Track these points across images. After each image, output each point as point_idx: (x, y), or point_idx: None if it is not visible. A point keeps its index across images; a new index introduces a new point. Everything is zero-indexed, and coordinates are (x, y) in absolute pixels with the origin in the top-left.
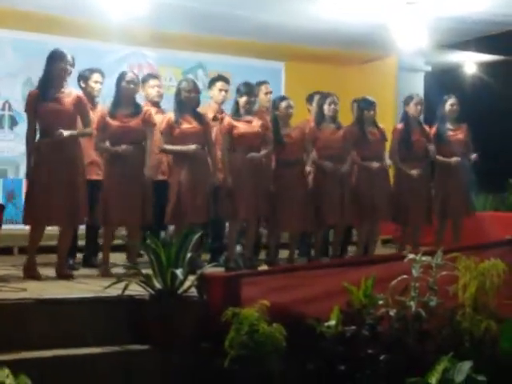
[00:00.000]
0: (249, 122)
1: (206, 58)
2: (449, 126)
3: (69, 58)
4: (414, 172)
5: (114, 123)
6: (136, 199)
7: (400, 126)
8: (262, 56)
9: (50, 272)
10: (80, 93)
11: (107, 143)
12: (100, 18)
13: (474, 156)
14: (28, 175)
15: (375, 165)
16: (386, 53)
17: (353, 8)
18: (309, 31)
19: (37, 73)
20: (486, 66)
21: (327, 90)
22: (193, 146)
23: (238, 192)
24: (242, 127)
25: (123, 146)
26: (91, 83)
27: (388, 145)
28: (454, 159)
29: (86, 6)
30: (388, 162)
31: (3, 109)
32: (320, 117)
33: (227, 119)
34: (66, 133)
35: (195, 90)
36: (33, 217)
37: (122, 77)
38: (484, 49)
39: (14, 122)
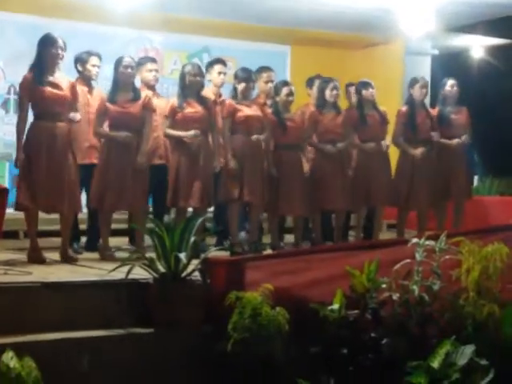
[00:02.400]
0: (248, 106)
1: (211, 42)
2: (449, 108)
3: (60, 42)
4: (419, 151)
5: (114, 108)
6: (133, 185)
7: (404, 108)
8: (267, 40)
9: (55, 256)
10: (72, 79)
11: (105, 128)
12: (106, 2)
13: (463, 137)
14: (19, 159)
15: (371, 145)
16: (392, 36)
17: None
18: (315, 15)
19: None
20: (494, 50)
21: (333, 74)
22: (191, 132)
23: (242, 175)
24: (244, 110)
25: (123, 133)
26: (89, 66)
27: (391, 127)
28: (456, 141)
29: None
30: (388, 143)
31: (8, 93)
32: (321, 102)
33: (229, 102)
34: (78, 116)
35: (200, 73)
36: (25, 203)
37: (119, 62)
38: (491, 32)
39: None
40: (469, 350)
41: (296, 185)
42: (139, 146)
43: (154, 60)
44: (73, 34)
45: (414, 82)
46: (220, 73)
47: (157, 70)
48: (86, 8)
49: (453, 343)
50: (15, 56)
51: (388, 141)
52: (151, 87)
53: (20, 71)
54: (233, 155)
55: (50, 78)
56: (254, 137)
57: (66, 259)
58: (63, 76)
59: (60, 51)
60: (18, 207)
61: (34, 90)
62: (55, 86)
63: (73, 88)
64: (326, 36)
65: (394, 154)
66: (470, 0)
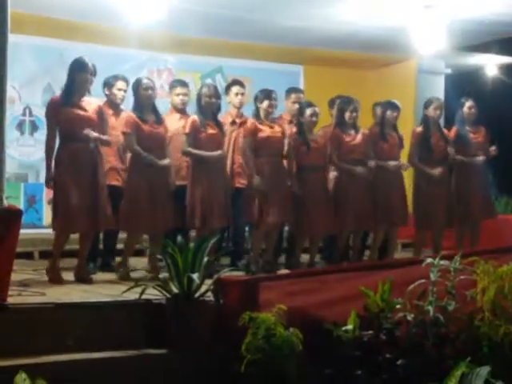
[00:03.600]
0: (271, 126)
1: (224, 63)
2: (468, 128)
3: (90, 66)
4: (436, 171)
5: (146, 128)
6: (163, 206)
7: (419, 129)
8: (280, 60)
9: (69, 276)
10: (100, 102)
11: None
12: (119, 24)
13: (493, 149)
14: (50, 181)
15: (392, 163)
16: (405, 56)
17: (371, 11)
18: (327, 34)
19: (57, 78)
20: (508, 68)
21: (346, 94)
22: (218, 152)
23: (265, 196)
24: (266, 130)
25: (216, 153)
26: (115, 90)
27: (407, 148)
28: (475, 158)
29: (105, 12)
30: (403, 163)
31: (24, 114)
32: (341, 121)
33: (251, 121)
34: (93, 134)
35: (215, 95)
36: (61, 224)
37: (137, 84)
38: (505, 51)
39: (34, 128)
40: (484, 371)
41: (319, 205)
42: (168, 167)
43: (184, 84)
44: (87, 56)
45: (428, 102)
46: (237, 94)
47: (185, 94)
48: (100, 30)
49: (468, 364)
50: (30, 78)
51: (405, 161)
52: (179, 110)
53: (35, 93)
54: (256, 175)
55: (78, 101)
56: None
57: (81, 279)
58: (92, 100)
59: (90, 76)
60: (59, 229)
61: (60, 112)
62: (82, 108)
63: (100, 110)
64: (338, 56)
65: (406, 174)
66: (481, 19)
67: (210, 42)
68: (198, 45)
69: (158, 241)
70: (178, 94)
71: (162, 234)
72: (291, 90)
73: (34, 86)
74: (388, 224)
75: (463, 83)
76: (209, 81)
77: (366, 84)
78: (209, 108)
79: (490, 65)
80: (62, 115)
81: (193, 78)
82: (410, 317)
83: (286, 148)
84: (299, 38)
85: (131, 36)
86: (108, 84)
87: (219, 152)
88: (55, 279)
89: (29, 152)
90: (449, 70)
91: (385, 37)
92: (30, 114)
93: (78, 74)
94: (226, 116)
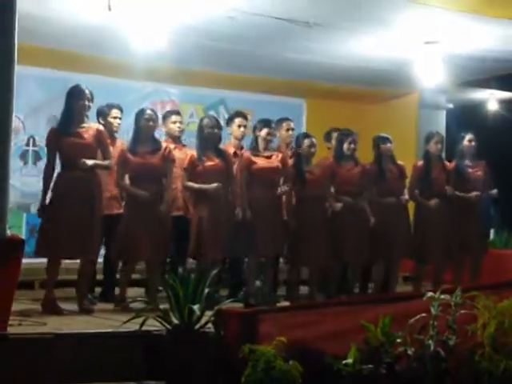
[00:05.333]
0: (268, 157)
1: (227, 95)
2: (467, 162)
3: (87, 93)
4: (433, 202)
5: (135, 159)
6: (156, 236)
7: (420, 163)
8: (283, 93)
9: (70, 306)
10: (100, 126)
11: (127, 179)
12: (123, 56)
13: (494, 191)
14: (43, 208)
15: (390, 200)
16: (407, 90)
17: (373, 46)
18: (329, 68)
19: (61, 109)
20: (508, 104)
21: (348, 127)
22: (214, 185)
23: (257, 228)
24: (260, 162)
25: (144, 193)
26: (110, 119)
27: (407, 181)
28: (474, 193)
29: (109, 44)
30: (407, 197)
31: (27, 144)
32: (339, 153)
33: (246, 154)
34: (89, 162)
35: (217, 126)
36: (48, 250)
37: (140, 114)
38: (506, 86)
39: (37, 158)
40: None
41: (316, 237)
42: (161, 196)
43: (178, 112)
44: (91, 88)
45: (429, 137)
46: (240, 126)
47: (181, 122)
48: (104, 62)
49: None
50: (35, 108)
51: (406, 195)
52: (176, 138)
53: (39, 123)
54: (248, 207)
55: (76, 129)
56: (281, 191)
57: (82, 310)
58: (92, 124)
59: (87, 102)
60: (38, 254)
61: (59, 141)
62: (80, 136)
63: (99, 135)
64: (340, 90)
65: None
66: (482, 55)
67: (212, 74)
68: (201, 77)
69: (155, 270)
70: (174, 122)
71: (159, 264)
72: (281, 120)
73: (38, 117)
74: (387, 258)
75: (465, 118)
76: (212, 113)
77: (368, 118)
78: (210, 139)
79: (491, 100)
80: (61, 144)
81: (196, 110)
82: (410, 351)
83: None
84: (302, 72)
85: (135, 68)
86: (102, 113)
87: (215, 185)
88: (51, 310)
89: (31, 182)
90: (450, 105)
91: (387, 72)
92: (34, 144)
93: (75, 101)
94: (227, 147)
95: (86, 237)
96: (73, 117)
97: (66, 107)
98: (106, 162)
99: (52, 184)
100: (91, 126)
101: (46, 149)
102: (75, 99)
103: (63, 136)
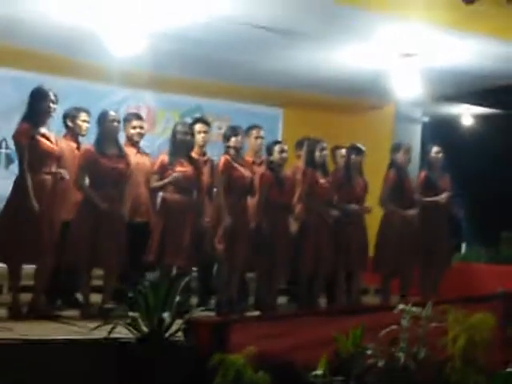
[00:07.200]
0: (242, 165)
1: (203, 102)
2: (435, 174)
3: (51, 96)
4: (410, 212)
5: (103, 162)
6: (110, 241)
7: (392, 173)
8: (259, 101)
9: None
10: (59, 137)
11: (87, 180)
12: (100, 60)
13: (444, 195)
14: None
15: (354, 207)
16: (383, 102)
17: (350, 57)
18: (307, 78)
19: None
20: (485, 119)
21: (324, 138)
22: (176, 174)
23: (227, 235)
24: (240, 169)
25: (104, 204)
26: (79, 122)
27: (375, 192)
28: (440, 197)
29: (87, 48)
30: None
31: (0, 147)
32: (310, 162)
33: (226, 158)
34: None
35: (190, 132)
36: (8, 255)
37: (104, 116)
38: (482, 102)
39: (9, 161)
40: None
41: (284, 245)
42: (120, 202)
43: (139, 117)
44: (66, 91)
45: (397, 147)
46: (200, 132)
47: (141, 127)
48: (80, 65)
49: None
50: (7, 110)
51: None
52: (135, 144)
53: (13, 126)
54: (220, 215)
55: (43, 130)
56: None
57: (46, 316)
58: (51, 133)
59: (51, 104)
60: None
61: (29, 141)
62: (47, 138)
63: (58, 144)
64: (317, 99)
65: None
66: (459, 70)
67: (189, 81)
68: (178, 84)
69: (111, 277)
70: (134, 127)
71: (115, 271)
72: (251, 127)
73: (11, 119)
74: (347, 269)
75: (440, 132)
76: (188, 119)
77: (344, 128)
78: (183, 145)
79: (467, 115)
80: (31, 145)
81: (172, 116)
82: (380, 363)
83: (253, 187)
84: (278, 81)
85: (111, 72)
86: (70, 116)
87: (176, 174)
88: (15, 314)
89: (3, 185)
90: (426, 118)
91: (364, 82)
92: (6, 147)
93: (40, 103)
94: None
95: (45, 242)
96: (38, 119)
97: (29, 108)
98: (64, 172)
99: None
100: (51, 134)
101: (17, 147)
102: (39, 101)
103: (32, 136)
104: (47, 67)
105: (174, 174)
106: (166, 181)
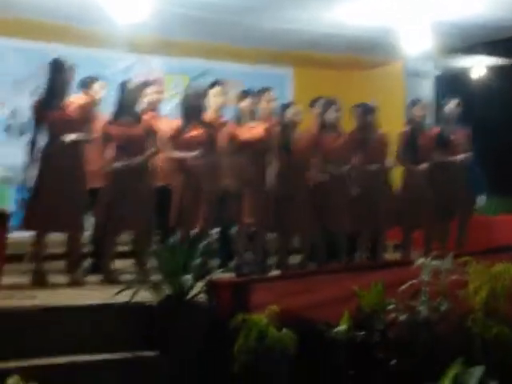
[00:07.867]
0: (251, 128)
1: (212, 65)
2: (450, 128)
3: (70, 66)
4: (423, 166)
5: (119, 131)
6: (141, 206)
7: (407, 129)
8: (270, 62)
9: (61, 279)
10: (82, 100)
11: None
12: (106, 27)
13: (464, 155)
14: (30, 181)
15: (373, 167)
16: (393, 58)
17: (359, 13)
18: (316, 37)
19: (43, 81)
20: (498, 70)
21: (335, 96)
22: (195, 153)
23: (244, 197)
24: (244, 135)
25: (138, 158)
26: (93, 91)
27: (394, 148)
28: (458, 157)
29: (92, 15)
30: (391, 164)
31: (11, 117)
32: (323, 123)
33: (230, 125)
34: (69, 137)
35: (202, 96)
36: (37, 223)
37: (123, 85)
38: (494, 53)
39: (21, 131)
40: (479, 371)
41: (302, 206)
42: (145, 167)
43: (154, 83)
44: (73, 59)
45: (414, 103)
46: (216, 95)
47: (158, 92)
48: (87, 33)
49: (462, 364)
50: (16, 81)
51: (391, 162)
52: (154, 109)
53: (22, 96)
54: (235, 177)
55: (60, 102)
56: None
57: (73, 282)
58: (73, 99)
59: (69, 75)
60: (26, 227)
61: (44, 115)
62: (64, 109)
63: (82, 109)
64: (327, 58)
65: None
66: (470, 21)
67: (198, 44)
68: (186, 47)
69: (142, 241)
70: (151, 93)
71: (146, 235)
72: (263, 90)
73: (20, 90)
74: (372, 227)
75: (453, 85)
76: (197, 83)
77: (355, 86)
78: (195, 110)
79: (479, 66)
80: (47, 118)
81: (182, 81)
82: (402, 317)
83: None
84: (288, 41)
85: (118, 39)
86: (85, 85)
87: (195, 152)
88: (40, 282)
89: (16, 154)
90: (438, 72)
91: (373, 38)
92: (18, 117)
93: (57, 75)
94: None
95: (71, 211)
96: (56, 90)
97: (48, 80)
98: (89, 136)
99: (38, 158)
100: (73, 100)
101: (30, 122)
102: (57, 73)
103: (48, 110)
104: (54, 37)
105: (193, 153)
106: (183, 155)
